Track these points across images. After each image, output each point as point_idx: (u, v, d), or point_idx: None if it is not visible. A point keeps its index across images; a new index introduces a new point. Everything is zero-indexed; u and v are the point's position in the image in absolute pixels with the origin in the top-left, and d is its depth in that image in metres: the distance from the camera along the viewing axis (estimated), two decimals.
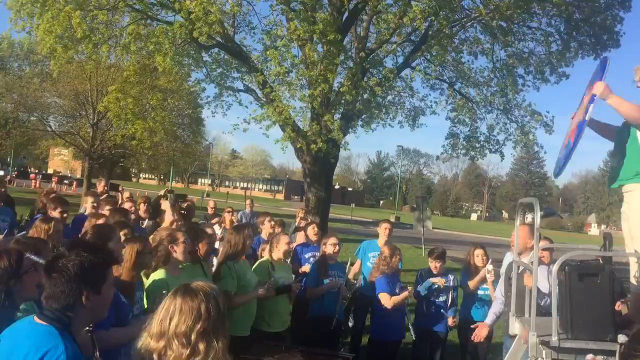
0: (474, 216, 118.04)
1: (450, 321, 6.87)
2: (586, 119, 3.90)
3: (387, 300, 6.50)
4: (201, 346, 2.19)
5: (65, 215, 6.14)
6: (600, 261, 3.72)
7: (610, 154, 3.75)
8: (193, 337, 2.19)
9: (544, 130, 18.33)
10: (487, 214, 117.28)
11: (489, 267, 6.87)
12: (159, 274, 4.46)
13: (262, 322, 5.82)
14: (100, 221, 5.35)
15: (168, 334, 2.20)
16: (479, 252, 7.23)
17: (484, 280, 6.97)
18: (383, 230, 8.06)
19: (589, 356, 3.32)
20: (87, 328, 2.63)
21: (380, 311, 6.67)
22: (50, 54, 16.33)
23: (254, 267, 6.06)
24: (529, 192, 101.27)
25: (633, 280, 3.80)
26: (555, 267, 3.58)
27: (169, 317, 2.22)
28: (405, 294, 6.60)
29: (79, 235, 4.18)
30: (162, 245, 4.61)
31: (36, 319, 2.30)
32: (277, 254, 6.07)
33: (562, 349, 3.52)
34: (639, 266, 3.77)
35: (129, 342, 3.11)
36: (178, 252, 4.61)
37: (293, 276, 6.54)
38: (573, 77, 18.08)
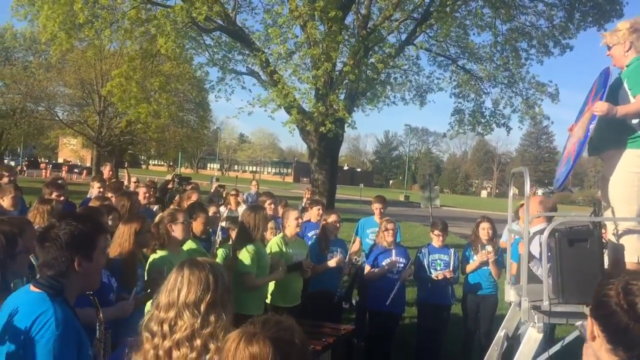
0: (484, 193, 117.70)
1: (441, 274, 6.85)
2: (587, 137, 3.87)
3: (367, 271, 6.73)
4: (211, 317, 2.23)
5: (62, 198, 6.23)
6: (590, 227, 3.76)
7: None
8: (202, 307, 2.23)
9: (550, 101, 18.25)
10: (497, 191, 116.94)
11: (488, 247, 6.89)
12: (159, 253, 4.55)
13: (275, 297, 5.94)
14: (97, 204, 5.46)
15: (178, 305, 2.23)
16: (485, 225, 7.08)
17: (483, 264, 6.99)
18: (375, 208, 8.21)
19: (579, 323, 3.37)
20: (89, 292, 2.72)
21: (371, 283, 6.79)
22: (51, 40, 16.36)
23: (267, 245, 6.08)
24: (539, 167, 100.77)
25: (612, 240, 3.87)
26: (545, 234, 3.62)
27: (177, 288, 2.25)
28: (339, 259, 6.66)
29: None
30: (162, 224, 4.70)
31: (31, 287, 2.39)
32: (289, 230, 6.12)
33: (554, 313, 3.58)
34: (616, 229, 3.82)
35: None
36: (177, 231, 4.69)
37: (306, 252, 6.47)
38: (577, 48, 17.95)
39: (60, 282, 2.36)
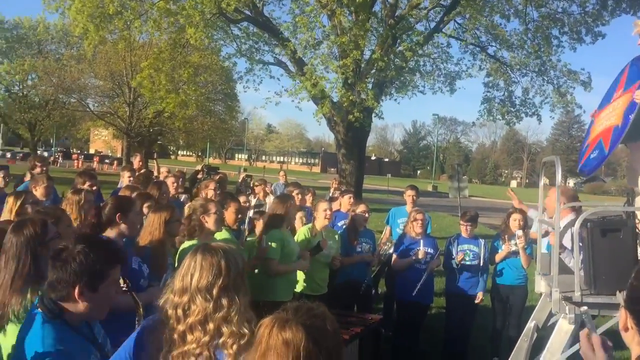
0: (513, 183, 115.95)
1: (478, 298, 6.85)
2: (627, 125, 3.75)
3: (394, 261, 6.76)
4: (224, 301, 2.27)
5: (94, 187, 6.34)
6: (623, 216, 3.68)
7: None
8: (215, 291, 2.26)
9: (582, 89, 17.84)
10: (526, 181, 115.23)
11: (519, 232, 6.78)
12: (189, 242, 4.60)
13: (304, 286, 5.97)
14: (127, 193, 5.54)
15: (191, 289, 2.27)
16: (517, 216, 6.90)
17: (512, 254, 6.91)
18: (407, 196, 8.22)
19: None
20: (124, 288, 2.75)
21: (399, 273, 6.80)
22: (83, 34, 16.62)
23: (296, 236, 6.11)
24: (570, 157, 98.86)
25: None
26: (577, 224, 3.56)
27: (190, 273, 2.30)
28: (368, 256, 6.77)
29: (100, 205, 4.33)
30: (195, 215, 4.76)
31: (38, 304, 2.38)
32: (318, 222, 6.14)
33: (585, 304, 3.52)
34: None
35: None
36: (210, 222, 4.73)
37: (335, 242, 6.42)
38: (610, 35, 17.51)
39: (59, 307, 2.32)
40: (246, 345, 2.23)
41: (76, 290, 2.29)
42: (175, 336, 2.26)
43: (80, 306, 2.33)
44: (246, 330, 2.26)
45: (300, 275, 5.98)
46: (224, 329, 2.25)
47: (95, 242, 2.51)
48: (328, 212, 6.16)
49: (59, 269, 2.31)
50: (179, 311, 2.27)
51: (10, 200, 4.65)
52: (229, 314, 2.26)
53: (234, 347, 2.24)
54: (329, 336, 1.74)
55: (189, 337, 2.25)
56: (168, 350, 2.26)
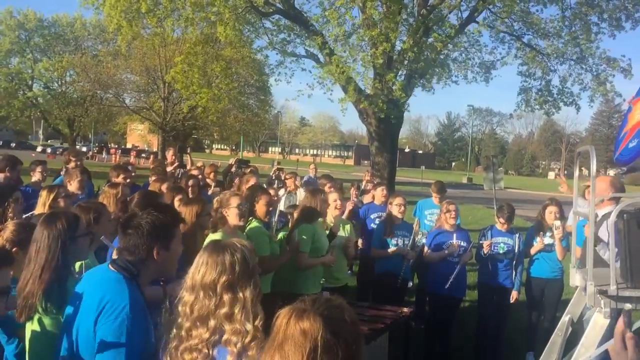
0: (551, 175, 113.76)
1: (512, 298, 6.73)
2: None
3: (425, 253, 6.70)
4: (225, 297, 2.28)
5: (128, 180, 6.44)
6: None
7: None
8: (218, 289, 2.28)
9: (622, 77, 17.29)
10: (565, 172, 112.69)
11: (557, 223, 6.63)
12: (215, 235, 4.63)
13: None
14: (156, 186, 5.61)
15: (196, 286, 2.31)
16: (552, 208, 6.82)
17: (543, 248, 6.77)
18: (434, 193, 8.37)
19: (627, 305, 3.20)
20: (158, 280, 2.81)
21: (431, 266, 6.72)
22: (117, 30, 16.90)
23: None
24: (610, 147, 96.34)
25: None
26: (612, 216, 3.43)
27: (198, 271, 2.33)
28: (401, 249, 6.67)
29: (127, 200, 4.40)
30: (218, 210, 4.80)
31: (110, 266, 2.52)
32: (330, 213, 6.13)
33: (621, 298, 3.41)
34: None
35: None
36: (231, 215, 4.76)
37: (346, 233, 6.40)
38: None
39: (137, 267, 2.48)
40: (250, 342, 2.24)
41: (155, 251, 2.50)
42: (183, 332, 2.29)
43: (156, 265, 2.54)
44: (250, 327, 2.26)
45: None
46: (226, 326, 2.26)
47: (157, 205, 2.76)
48: (338, 202, 6.21)
49: (133, 235, 2.49)
50: (187, 308, 2.31)
51: (43, 193, 4.74)
52: (231, 310, 2.28)
53: (238, 345, 2.24)
54: (347, 327, 1.73)
55: (194, 333, 2.28)
56: (176, 345, 2.29)
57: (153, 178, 7.50)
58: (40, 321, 2.81)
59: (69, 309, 2.53)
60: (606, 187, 5.12)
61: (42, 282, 2.77)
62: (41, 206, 4.63)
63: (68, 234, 2.92)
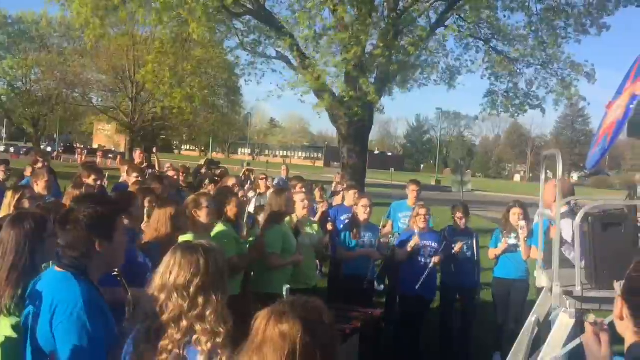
0: (517, 177, 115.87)
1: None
2: (627, 117, 3.73)
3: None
4: (200, 300, 2.27)
5: (98, 182, 6.35)
6: (625, 210, 3.65)
7: None
8: (192, 290, 2.27)
9: (586, 81, 17.70)
10: (530, 175, 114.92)
11: (522, 223, 6.77)
12: (186, 237, 4.59)
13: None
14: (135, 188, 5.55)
15: (168, 287, 2.29)
16: (516, 210, 6.98)
17: (508, 248, 6.91)
18: (410, 191, 8.21)
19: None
20: (115, 273, 2.78)
21: (402, 267, 6.82)
22: (85, 26, 16.55)
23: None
24: (574, 151, 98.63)
25: None
26: (577, 218, 3.52)
27: (169, 271, 2.31)
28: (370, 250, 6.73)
29: None
30: (187, 209, 4.77)
31: (56, 267, 2.48)
32: (297, 212, 6.12)
33: (586, 299, 3.50)
34: None
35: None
36: (202, 216, 4.74)
37: (314, 234, 6.39)
38: (616, 26, 17.39)
39: (83, 262, 2.44)
40: (222, 343, 2.25)
41: (97, 244, 2.45)
42: (152, 333, 2.28)
43: (101, 258, 2.50)
44: (222, 329, 2.27)
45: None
46: (197, 327, 2.26)
47: (95, 198, 2.76)
48: (306, 202, 6.21)
49: (71, 230, 2.44)
50: (157, 308, 2.29)
51: (8, 194, 4.65)
52: (204, 312, 2.27)
53: (208, 344, 2.24)
54: (326, 330, 1.75)
55: (164, 334, 2.27)
56: (144, 347, 2.28)
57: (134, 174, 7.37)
58: (4, 324, 2.74)
59: (26, 311, 2.49)
60: (552, 190, 5.24)
61: (9, 284, 2.71)
62: (6, 207, 4.54)
63: (37, 234, 2.87)
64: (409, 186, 8.31)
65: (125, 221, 3.95)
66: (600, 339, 1.89)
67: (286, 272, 5.63)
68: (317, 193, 9.49)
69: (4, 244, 2.83)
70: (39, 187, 5.86)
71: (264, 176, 11.02)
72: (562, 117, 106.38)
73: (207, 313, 2.27)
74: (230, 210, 5.39)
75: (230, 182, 7.39)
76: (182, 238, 4.60)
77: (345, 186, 9.84)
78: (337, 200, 9.52)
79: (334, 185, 13.15)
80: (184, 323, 2.26)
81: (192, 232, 4.67)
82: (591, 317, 2.42)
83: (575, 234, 3.55)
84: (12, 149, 55.97)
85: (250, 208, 7.97)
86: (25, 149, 53.09)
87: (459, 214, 7.07)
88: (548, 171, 4.79)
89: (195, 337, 2.25)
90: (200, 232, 4.73)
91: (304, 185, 8.73)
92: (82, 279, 2.41)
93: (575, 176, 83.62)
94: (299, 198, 6.19)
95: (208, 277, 2.30)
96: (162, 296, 2.29)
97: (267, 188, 10.57)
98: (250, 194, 9.73)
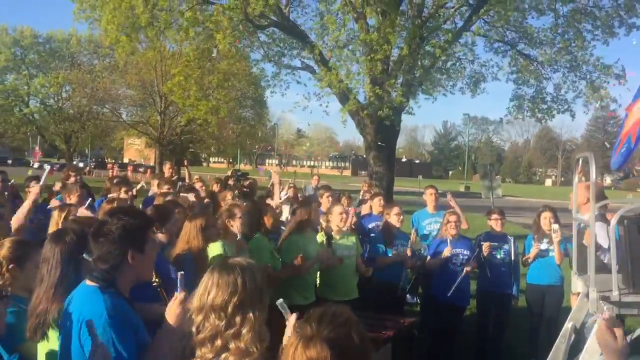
0: (548, 182, 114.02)
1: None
2: None
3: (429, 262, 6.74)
4: (237, 319, 2.26)
5: (130, 193, 6.46)
6: None
7: None
8: (229, 309, 2.26)
9: (616, 83, 17.34)
10: (562, 179, 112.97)
11: (555, 226, 6.66)
12: (215, 245, 4.62)
13: (326, 291, 5.94)
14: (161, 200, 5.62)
15: (206, 308, 2.28)
16: (546, 214, 6.91)
17: (540, 254, 6.80)
18: (428, 196, 8.18)
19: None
20: (156, 284, 2.82)
21: (435, 275, 6.73)
22: (114, 44, 16.90)
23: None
24: (606, 153, 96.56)
25: None
26: (612, 222, 3.45)
27: (207, 292, 2.31)
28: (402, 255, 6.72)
29: None
30: (221, 219, 4.81)
31: (87, 281, 2.52)
32: (333, 225, 6.14)
33: (624, 304, 3.42)
34: None
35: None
36: (235, 226, 4.77)
37: (352, 245, 6.36)
38: None
39: (112, 275, 2.48)
40: None
41: (129, 255, 2.48)
42: (187, 352, 2.30)
43: (132, 270, 2.53)
44: (255, 350, 2.25)
45: (321, 279, 6.00)
46: (232, 345, 2.25)
47: (126, 210, 2.71)
48: (344, 215, 6.16)
49: (104, 243, 2.47)
50: (193, 329, 2.30)
51: (55, 214, 4.73)
52: (240, 330, 2.27)
53: None
54: (355, 346, 1.74)
55: (198, 353, 2.28)
56: None
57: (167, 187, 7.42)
58: (53, 338, 2.78)
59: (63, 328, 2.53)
60: (583, 192, 5.16)
61: (56, 300, 2.74)
62: (54, 226, 4.60)
63: (78, 249, 2.92)
64: (426, 192, 8.32)
65: (162, 236, 4.04)
66: (615, 334, 1.88)
67: (307, 282, 5.63)
68: (344, 202, 9.48)
69: (47, 260, 2.88)
70: (72, 201, 5.97)
71: (292, 185, 11.05)
72: (593, 120, 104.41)
73: (244, 331, 2.26)
74: (268, 221, 5.43)
75: (229, 196, 7.40)
76: (211, 246, 4.65)
77: (371, 194, 9.82)
78: (365, 209, 9.50)
79: (361, 193, 13.11)
80: (218, 342, 2.25)
81: (222, 240, 4.70)
82: (606, 314, 2.40)
83: (611, 238, 3.48)
84: (46, 165, 57.05)
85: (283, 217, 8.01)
86: (58, 165, 54.18)
87: (495, 215, 6.98)
88: (582, 175, 4.71)
89: (223, 356, 2.24)
90: (231, 241, 4.76)
91: (331, 194, 8.74)
92: (108, 292, 2.44)
93: (608, 179, 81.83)
94: (337, 211, 6.16)
95: (246, 295, 2.29)
96: (199, 318, 2.30)
97: (297, 198, 10.61)
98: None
